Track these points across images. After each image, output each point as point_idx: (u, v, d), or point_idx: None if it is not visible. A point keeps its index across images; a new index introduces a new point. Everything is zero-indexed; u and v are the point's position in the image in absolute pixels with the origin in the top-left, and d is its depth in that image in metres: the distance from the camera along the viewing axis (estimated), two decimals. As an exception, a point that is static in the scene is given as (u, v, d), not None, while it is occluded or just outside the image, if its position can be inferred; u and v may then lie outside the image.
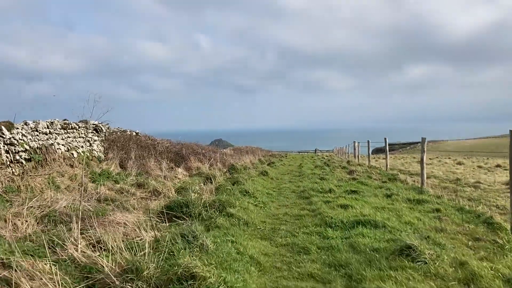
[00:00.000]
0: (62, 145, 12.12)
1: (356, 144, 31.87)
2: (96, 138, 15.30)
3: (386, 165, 18.67)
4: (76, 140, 13.39)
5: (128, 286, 4.16)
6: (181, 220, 7.37)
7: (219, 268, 4.81)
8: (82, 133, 14.14)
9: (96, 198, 9.60)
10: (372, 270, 4.91)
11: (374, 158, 38.53)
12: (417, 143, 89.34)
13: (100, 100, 5.70)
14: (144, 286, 4.19)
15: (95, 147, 14.79)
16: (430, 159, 36.79)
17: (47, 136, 11.35)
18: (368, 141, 23.98)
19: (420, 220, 7.62)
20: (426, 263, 4.95)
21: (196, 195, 9.29)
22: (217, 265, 4.88)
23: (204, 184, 11.96)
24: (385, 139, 19.01)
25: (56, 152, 11.35)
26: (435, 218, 7.83)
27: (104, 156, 15.30)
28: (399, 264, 4.99)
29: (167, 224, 7.21)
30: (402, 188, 12.30)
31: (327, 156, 43.64)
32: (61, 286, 4.23)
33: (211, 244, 5.54)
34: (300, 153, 63.80)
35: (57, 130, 12.16)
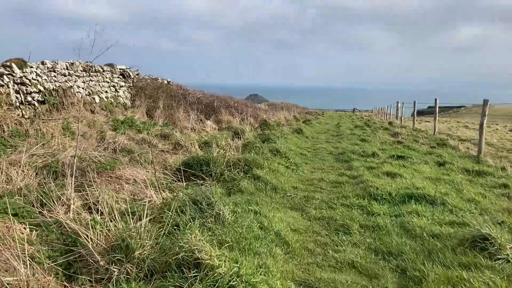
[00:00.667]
0: (83, 88, 11.26)
1: (399, 104, 29.87)
2: (122, 83, 14.42)
3: (434, 129, 16.99)
4: (99, 85, 12.52)
5: (114, 269, 3.19)
6: (200, 180, 6.37)
7: (236, 248, 3.77)
8: (107, 77, 13.25)
9: (112, 148, 8.76)
10: (435, 265, 3.74)
11: (417, 120, 36.06)
12: (461, 107, 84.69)
13: (103, 32, 4.57)
14: (134, 270, 3.21)
15: (121, 93, 13.93)
16: (476, 124, 34.20)
17: (65, 78, 10.49)
18: (415, 102, 22.09)
19: (486, 197, 6.28)
20: (509, 261, 3.73)
21: (221, 151, 8.27)
22: (234, 244, 3.86)
23: (232, 140, 10.92)
24: (435, 100, 17.22)
25: (75, 95, 10.51)
26: (504, 196, 6.46)
27: (131, 104, 14.47)
28: (471, 261, 3.78)
29: (184, 184, 6.23)
30: (455, 156, 10.81)
31: (366, 116, 41.66)
32: (33, 260, 3.31)
33: (229, 214, 4.50)
34: (338, 112, 61.72)
35: (78, 72, 11.28)
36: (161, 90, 16.57)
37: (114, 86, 13.61)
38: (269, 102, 48.70)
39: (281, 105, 42.50)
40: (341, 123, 25.76)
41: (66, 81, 10.40)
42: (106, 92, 12.83)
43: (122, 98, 13.88)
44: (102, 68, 13.08)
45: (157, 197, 5.23)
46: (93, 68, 12.35)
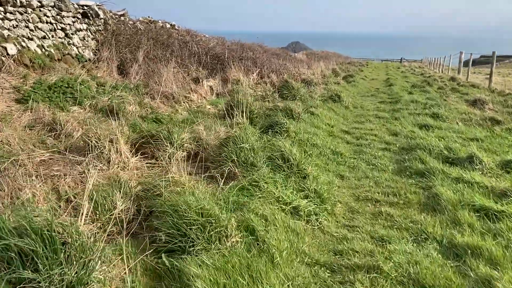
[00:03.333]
0: (-17, 33, 7.01)
1: (462, 55, 24.00)
2: (82, 26, 10.05)
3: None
4: (28, 27, 8.22)
5: None
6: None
7: None
8: (49, 16, 8.91)
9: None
10: None
11: (473, 72, 29.22)
12: (520, 55, 74.53)
13: None
14: None
15: (75, 40, 9.59)
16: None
17: None
18: (494, 52, 16.51)
19: None
20: None
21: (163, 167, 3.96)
22: None
23: (220, 119, 6.49)
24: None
25: (-45, 44, 6.28)
26: None
27: (94, 55, 10.16)
28: None
29: None
30: None
31: (417, 68, 35.61)
32: None
33: None
34: (383, 62, 55.07)
35: (-26, 6, 6.99)
36: (146, 36, 12.08)
37: (63, 29, 9.27)
38: (308, 51, 43.08)
39: (320, 54, 36.98)
40: (391, 77, 20.55)
41: None
42: (44, 38, 8.52)
43: (78, 47, 9.55)
44: (40, 2, 8.72)
45: None
46: (17, 1, 8.00)
